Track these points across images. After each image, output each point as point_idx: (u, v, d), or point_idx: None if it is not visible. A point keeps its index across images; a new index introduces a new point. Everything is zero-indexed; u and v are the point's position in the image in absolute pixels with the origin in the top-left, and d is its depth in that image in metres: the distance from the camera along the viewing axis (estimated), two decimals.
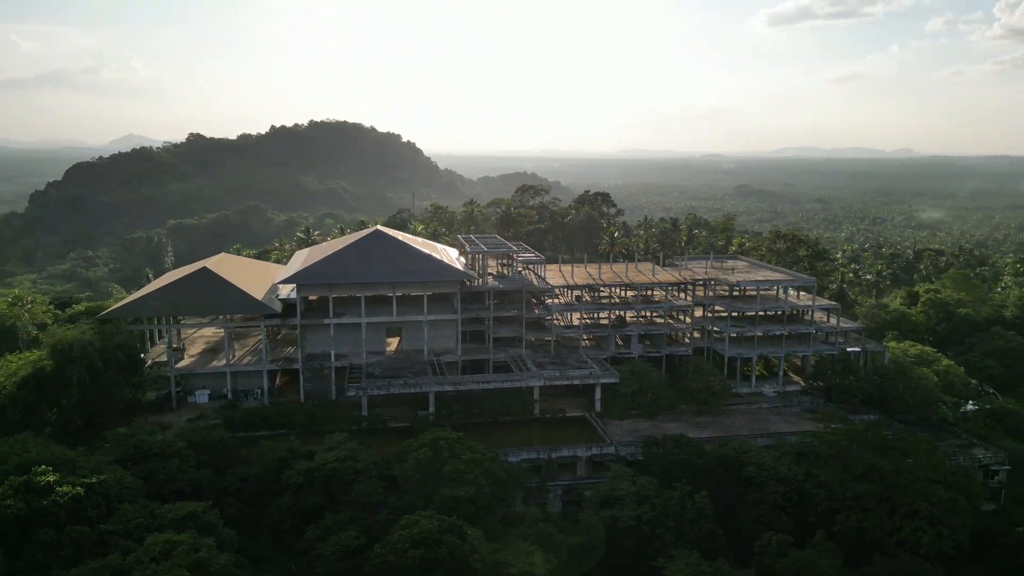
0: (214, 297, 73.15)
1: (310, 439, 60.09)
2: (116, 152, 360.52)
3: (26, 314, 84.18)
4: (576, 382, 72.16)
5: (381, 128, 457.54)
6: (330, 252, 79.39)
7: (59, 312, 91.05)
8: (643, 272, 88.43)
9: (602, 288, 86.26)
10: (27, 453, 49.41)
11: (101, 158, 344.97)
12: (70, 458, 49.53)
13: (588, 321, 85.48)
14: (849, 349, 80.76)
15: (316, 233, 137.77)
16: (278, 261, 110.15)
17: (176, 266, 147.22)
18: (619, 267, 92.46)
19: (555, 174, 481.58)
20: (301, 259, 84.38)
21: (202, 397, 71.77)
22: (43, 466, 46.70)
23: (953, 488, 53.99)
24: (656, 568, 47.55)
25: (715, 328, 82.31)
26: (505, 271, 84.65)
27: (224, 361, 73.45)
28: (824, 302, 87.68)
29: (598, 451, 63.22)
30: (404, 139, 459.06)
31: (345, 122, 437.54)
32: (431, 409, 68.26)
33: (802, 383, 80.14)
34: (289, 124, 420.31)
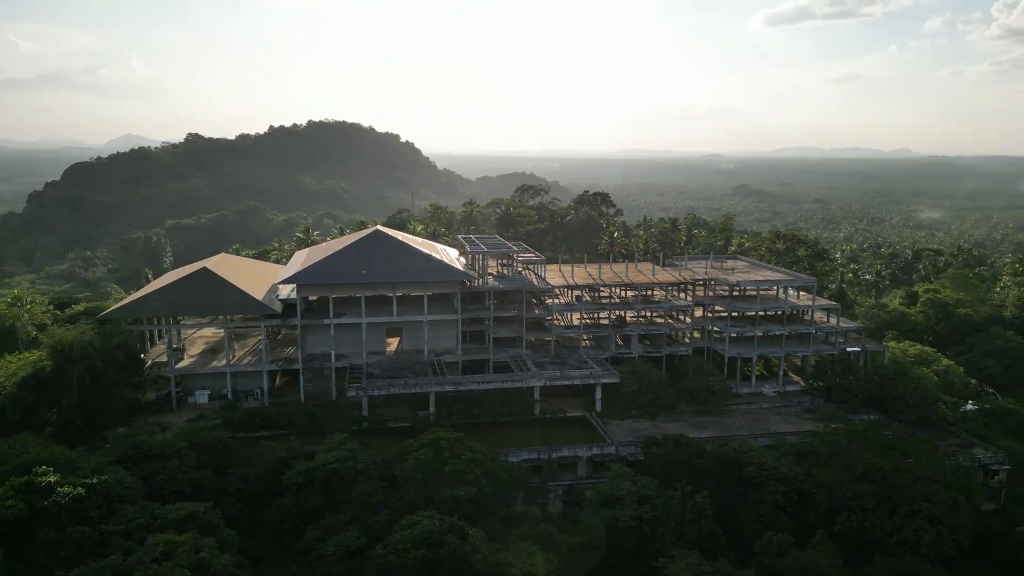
0: (214, 297, 73.11)
1: (310, 439, 60.08)
2: (115, 152, 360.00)
3: (25, 314, 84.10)
4: (576, 382, 72.17)
5: (381, 128, 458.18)
6: (330, 252, 79.35)
7: (58, 312, 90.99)
8: (643, 272, 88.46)
9: (602, 288, 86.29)
10: (27, 453, 49.38)
11: (100, 158, 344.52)
12: (70, 458, 49.47)
13: (588, 321, 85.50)
14: (849, 349, 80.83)
15: (316, 233, 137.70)
16: (277, 261, 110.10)
17: (175, 266, 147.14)
18: (619, 267, 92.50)
19: (554, 174, 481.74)
20: (301, 259, 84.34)
21: (202, 397, 71.72)
22: (44, 467, 46.63)
23: (953, 488, 54.05)
24: (657, 568, 47.55)
25: (715, 328, 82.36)
26: (505, 271, 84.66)
27: (224, 361, 73.40)
28: (824, 302, 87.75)
29: (598, 451, 63.23)
30: (403, 139, 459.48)
31: (344, 122, 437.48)
32: (431, 409, 68.24)
33: (802, 383, 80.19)
34: (288, 124, 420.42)
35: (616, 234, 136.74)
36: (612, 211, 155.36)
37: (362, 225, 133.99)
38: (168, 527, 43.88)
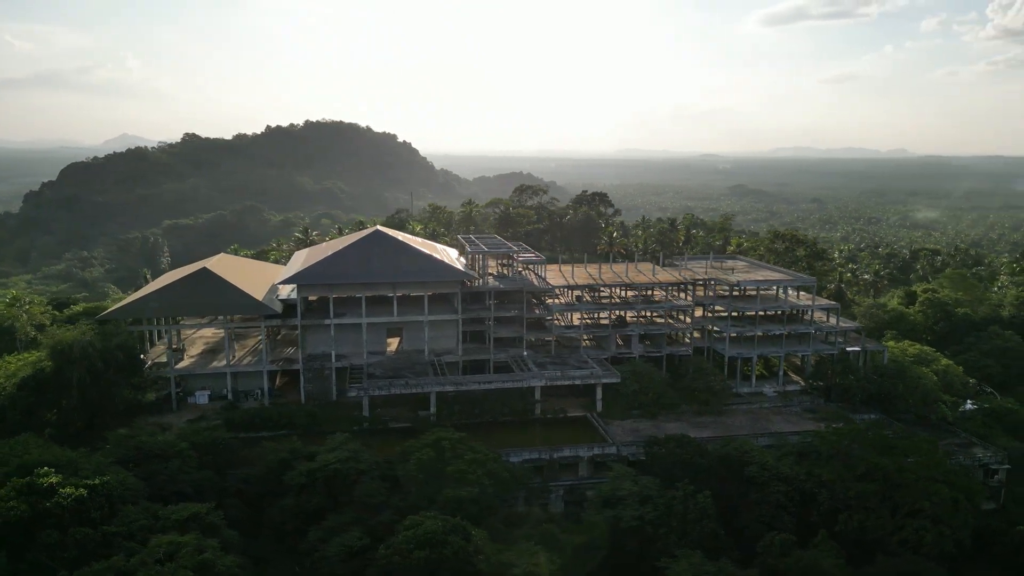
0: (214, 297, 72.97)
1: (311, 440, 60.01)
2: (111, 152, 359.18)
3: (24, 315, 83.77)
4: (577, 382, 72.19)
5: (381, 128, 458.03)
6: (330, 252, 79.24)
7: (57, 313, 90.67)
8: (643, 272, 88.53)
9: (602, 288, 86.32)
10: (28, 455, 49.20)
11: (96, 158, 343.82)
12: (72, 459, 49.30)
13: (588, 321, 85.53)
14: (849, 349, 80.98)
15: (315, 233, 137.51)
16: (276, 261, 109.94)
17: (172, 266, 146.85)
18: (619, 267, 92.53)
19: (551, 174, 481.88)
20: (301, 259, 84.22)
21: (202, 398, 71.56)
22: (45, 468, 46.50)
23: (955, 487, 54.21)
24: (659, 568, 47.57)
25: (715, 328, 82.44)
26: (505, 271, 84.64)
27: (224, 362, 73.26)
28: (824, 302, 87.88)
29: (600, 451, 63.23)
30: (400, 139, 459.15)
31: (341, 122, 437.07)
32: (432, 409, 68.21)
33: (802, 383, 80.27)
34: (285, 124, 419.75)
35: (615, 234, 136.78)
36: (611, 211, 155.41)
37: (361, 225, 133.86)
38: (171, 528, 43.81)
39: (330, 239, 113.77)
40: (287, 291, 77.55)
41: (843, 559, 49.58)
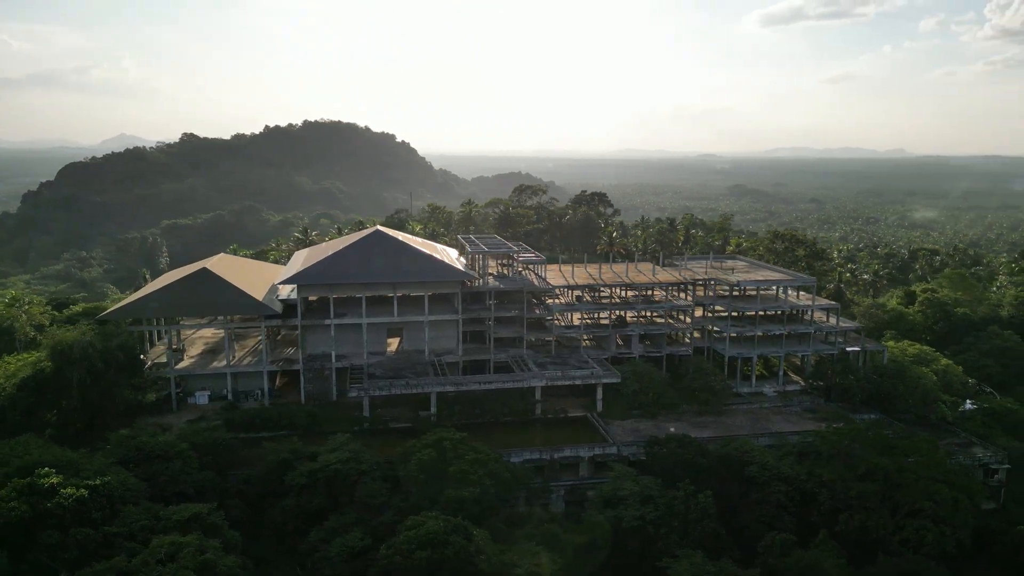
0: (214, 298, 72.91)
1: (311, 440, 60.07)
2: (109, 152, 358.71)
3: (24, 315, 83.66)
4: (578, 382, 72.19)
5: (381, 128, 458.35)
6: (330, 252, 79.19)
7: (56, 313, 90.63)
8: (643, 272, 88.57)
9: (602, 288, 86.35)
10: (29, 455, 49.17)
11: (94, 158, 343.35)
12: (72, 460, 49.25)
13: (589, 321, 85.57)
14: (848, 349, 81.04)
15: (314, 233, 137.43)
16: (276, 261, 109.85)
17: (171, 267, 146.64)
18: (619, 267, 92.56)
19: (549, 174, 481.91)
20: (301, 259, 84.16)
21: (202, 398, 71.48)
22: (46, 468, 46.43)
23: (955, 487, 54.24)
24: (660, 568, 47.63)
25: (715, 328, 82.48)
26: (505, 271, 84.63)
27: (224, 362, 73.18)
28: (824, 302, 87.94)
29: (600, 451, 63.23)
30: (399, 139, 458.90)
31: (339, 122, 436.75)
32: (433, 410, 68.18)
33: (802, 383, 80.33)
34: (284, 124, 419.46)
35: (615, 234, 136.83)
36: (610, 211, 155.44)
37: (360, 225, 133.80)
38: (172, 528, 43.74)
39: (329, 239, 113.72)
40: (287, 291, 77.50)
41: (844, 559, 49.69)
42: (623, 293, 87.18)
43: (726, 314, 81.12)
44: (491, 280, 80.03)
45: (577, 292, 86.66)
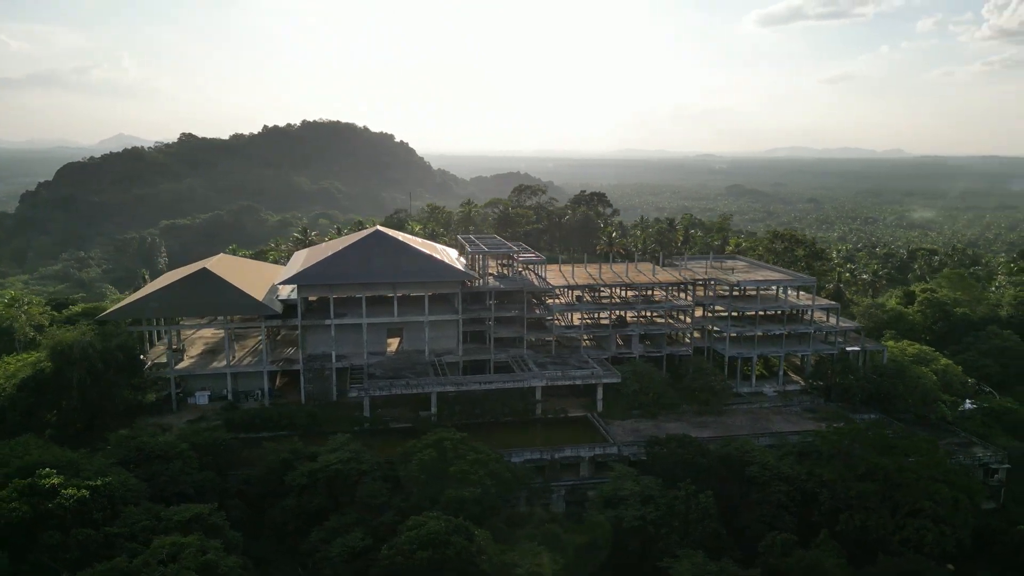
0: (214, 298, 72.86)
1: (312, 440, 60.04)
2: (107, 152, 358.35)
3: (23, 315, 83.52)
4: (578, 382, 72.20)
5: (381, 128, 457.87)
6: (330, 252, 79.15)
7: (56, 313, 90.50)
8: (643, 272, 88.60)
9: (602, 288, 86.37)
10: (29, 456, 49.06)
11: (92, 158, 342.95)
12: (73, 460, 49.17)
13: (589, 321, 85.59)
14: (848, 348, 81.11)
15: (314, 233, 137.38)
16: (275, 261, 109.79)
17: (169, 267, 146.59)
18: (619, 267, 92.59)
19: (548, 174, 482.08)
20: (301, 259, 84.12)
21: (202, 398, 71.44)
22: (47, 468, 46.35)
23: (955, 487, 54.29)
24: (662, 568, 47.64)
25: (715, 328, 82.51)
26: (505, 271, 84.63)
27: (224, 362, 73.13)
28: (824, 302, 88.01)
29: (601, 451, 63.25)
30: (397, 139, 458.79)
31: (338, 122, 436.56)
32: (433, 410, 68.16)
33: (802, 382, 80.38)
34: (282, 124, 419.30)
35: (614, 234, 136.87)
36: (609, 211, 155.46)
37: (360, 225, 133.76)
38: (173, 529, 43.67)
39: (329, 239, 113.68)
40: (287, 291, 77.46)
41: (844, 559, 49.68)
42: (623, 293, 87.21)
43: (726, 314, 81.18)
44: (491, 280, 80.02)
45: (577, 292, 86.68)
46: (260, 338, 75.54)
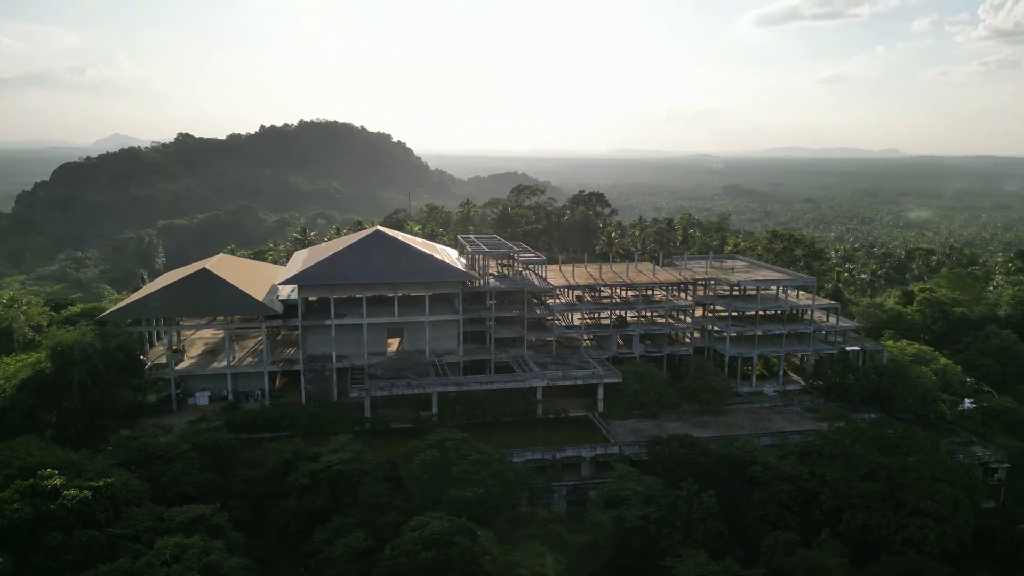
0: (215, 298, 72.72)
1: (313, 441, 59.94)
2: (103, 152, 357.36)
3: (22, 316, 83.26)
4: (579, 382, 72.22)
5: (382, 128, 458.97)
6: (331, 253, 79.04)
7: (54, 314, 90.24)
8: (643, 272, 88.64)
9: (603, 288, 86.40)
10: (31, 457, 48.90)
11: (88, 158, 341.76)
12: (74, 461, 49.04)
13: (589, 321, 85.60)
14: (848, 348, 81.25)
15: (313, 233, 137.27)
16: (274, 262, 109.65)
17: (167, 267, 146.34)
18: (619, 267, 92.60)
19: (545, 174, 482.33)
20: (301, 260, 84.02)
21: (202, 399, 71.31)
22: (49, 469, 46.20)
23: (956, 486, 54.42)
24: (664, 568, 47.63)
25: (715, 328, 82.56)
26: (506, 271, 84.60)
27: (224, 363, 73.00)
28: (824, 301, 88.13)
29: (602, 451, 63.30)
30: (395, 139, 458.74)
31: (335, 122, 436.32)
32: (434, 410, 68.11)
33: (802, 382, 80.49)
34: (279, 124, 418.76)
35: (613, 234, 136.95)
36: (607, 211, 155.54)
37: (359, 225, 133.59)
38: (176, 530, 43.55)
39: (328, 239, 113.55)
40: (287, 291, 77.36)
41: (847, 558, 49.78)
42: (623, 293, 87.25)
43: (726, 314, 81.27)
44: (491, 280, 79.96)
45: (577, 292, 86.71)
46: (260, 338, 75.43)
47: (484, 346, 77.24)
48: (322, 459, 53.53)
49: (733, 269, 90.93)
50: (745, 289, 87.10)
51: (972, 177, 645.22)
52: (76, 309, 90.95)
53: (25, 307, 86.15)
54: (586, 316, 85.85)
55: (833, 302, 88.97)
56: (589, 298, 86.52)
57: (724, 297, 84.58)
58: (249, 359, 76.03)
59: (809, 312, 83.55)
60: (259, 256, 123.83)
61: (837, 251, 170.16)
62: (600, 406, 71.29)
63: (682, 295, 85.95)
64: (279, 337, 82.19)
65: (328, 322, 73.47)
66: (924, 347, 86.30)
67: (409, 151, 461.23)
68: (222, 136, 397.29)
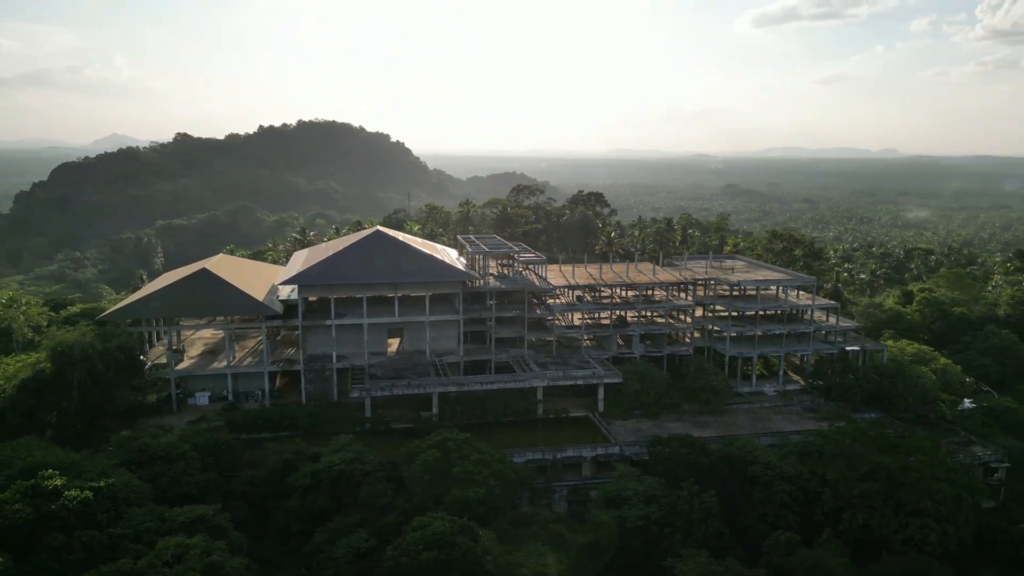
0: (215, 298, 72.66)
1: (313, 441, 59.97)
2: (101, 152, 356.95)
3: (21, 316, 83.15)
4: (579, 382, 72.23)
5: (382, 128, 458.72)
6: (331, 253, 78.99)
7: (54, 314, 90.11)
8: (643, 272, 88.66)
9: (603, 288, 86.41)
10: (31, 457, 48.80)
11: (87, 158, 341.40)
12: (75, 462, 48.95)
13: (589, 321, 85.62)
14: (848, 348, 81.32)
15: (312, 233, 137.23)
16: (274, 262, 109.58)
17: (166, 267, 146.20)
18: (619, 267, 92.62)
19: (543, 174, 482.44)
20: (301, 260, 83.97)
21: (202, 399, 71.26)
22: (49, 470, 46.12)
23: (957, 485, 54.49)
24: (666, 568, 47.67)
25: (716, 327, 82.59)
26: (506, 271, 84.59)
27: (224, 363, 72.93)
28: (824, 301, 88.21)
29: (603, 451, 63.29)
30: (393, 139, 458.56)
31: (334, 122, 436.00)
32: (434, 410, 68.09)
33: (802, 382, 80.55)
34: (278, 124, 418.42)
35: (613, 234, 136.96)
36: (607, 211, 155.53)
37: (358, 225, 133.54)
38: (177, 530, 43.52)
39: (328, 239, 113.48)
40: (287, 292, 77.31)
41: (848, 558, 49.86)
42: (623, 293, 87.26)
43: (726, 314, 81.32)
44: (492, 280, 79.95)
45: (578, 292, 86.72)
46: (260, 338, 75.37)
47: (484, 346, 77.24)
48: (323, 459, 53.58)
49: (733, 269, 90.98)
50: (745, 289, 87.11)
51: (970, 177, 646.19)
52: (75, 309, 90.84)
53: (25, 307, 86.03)
54: (586, 316, 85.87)
55: (833, 302, 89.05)
56: (589, 298, 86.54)
57: (724, 297, 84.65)
58: (249, 359, 75.98)
59: (809, 312, 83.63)
60: (258, 256, 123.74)
61: (836, 251, 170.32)
62: (600, 406, 71.31)
63: (682, 295, 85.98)
64: (279, 337, 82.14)
65: (328, 322, 73.43)
66: (924, 347, 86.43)
67: (408, 151, 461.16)
68: (221, 136, 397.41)
